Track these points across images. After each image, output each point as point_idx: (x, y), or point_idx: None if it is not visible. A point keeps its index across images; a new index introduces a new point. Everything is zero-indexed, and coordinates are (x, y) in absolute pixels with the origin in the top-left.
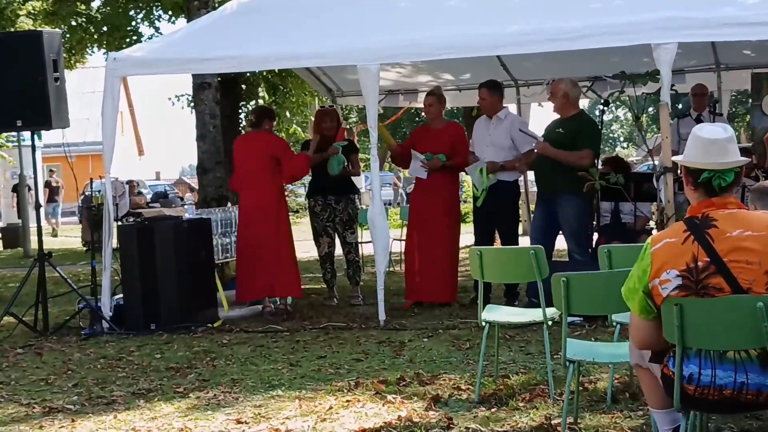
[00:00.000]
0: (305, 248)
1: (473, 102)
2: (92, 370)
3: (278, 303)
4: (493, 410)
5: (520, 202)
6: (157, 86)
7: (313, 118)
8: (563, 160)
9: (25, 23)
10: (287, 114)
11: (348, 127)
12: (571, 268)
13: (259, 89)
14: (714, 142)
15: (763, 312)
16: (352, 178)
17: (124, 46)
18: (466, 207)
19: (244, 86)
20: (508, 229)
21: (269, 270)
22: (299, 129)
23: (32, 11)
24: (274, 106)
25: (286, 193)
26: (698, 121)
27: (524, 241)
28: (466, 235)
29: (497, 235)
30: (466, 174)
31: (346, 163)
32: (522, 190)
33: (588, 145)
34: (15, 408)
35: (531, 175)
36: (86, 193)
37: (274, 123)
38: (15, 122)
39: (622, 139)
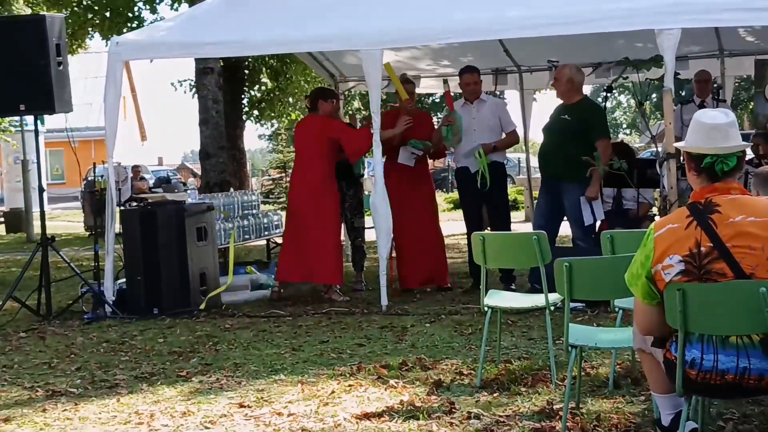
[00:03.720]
0: None
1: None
2: (95, 354)
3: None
4: (495, 395)
5: (522, 188)
6: (160, 71)
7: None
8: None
9: (21, 10)
10: (290, 100)
11: (351, 113)
12: (574, 254)
13: (261, 75)
14: (716, 127)
15: (766, 297)
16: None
17: (125, 31)
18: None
19: (246, 72)
20: (501, 211)
21: (310, 255)
22: (301, 116)
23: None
24: (277, 92)
25: (288, 179)
26: (701, 107)
27: (526, 228)
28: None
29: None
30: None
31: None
32: (524, 176)
33: (604, 134)
34: (18, 391)
35: (533, 161)
36: (89, 178)
37: (335, 101)
38: (18, 106)
39: (624, 125)
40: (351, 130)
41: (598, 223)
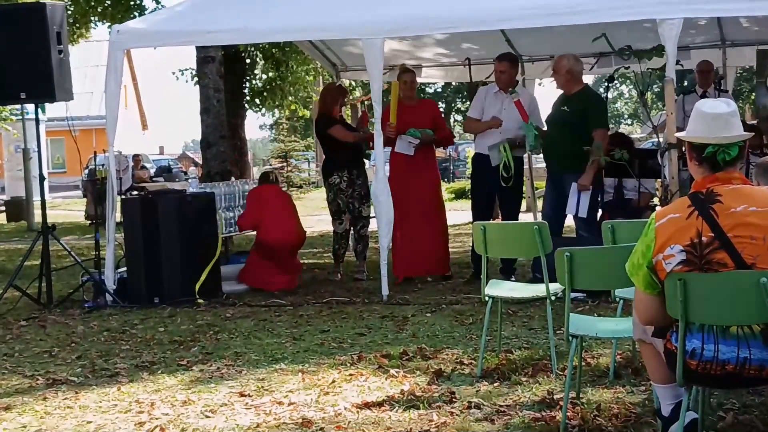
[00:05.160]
0: (308, 224)
1: (477, 77)
2: (96, 343)
3: None
4: (495, 385)
5: (524, 179)
6: (162, 60)
7: (318, 95)
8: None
9: None
10: (291, 89)
11: (354, 103)
12: (576, 244)
13: (261, 65)
14: (717, 117)
15: (767, 287)
16: None
17: (127, 19)
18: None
19: (248, 61)
20: (514, 204)
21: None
22: (300, 106)
23: None
24: (278, 82)
25: (289, 169)
26: (703, 97)
27: (526, 218)
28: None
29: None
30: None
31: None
32: (525, 167)
33: (602, 124)
34: (19, 380)
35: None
36: (90, 167)
37: None
38: (19, 95)
39: (626, 116)
40: None
41: (599, 213)
